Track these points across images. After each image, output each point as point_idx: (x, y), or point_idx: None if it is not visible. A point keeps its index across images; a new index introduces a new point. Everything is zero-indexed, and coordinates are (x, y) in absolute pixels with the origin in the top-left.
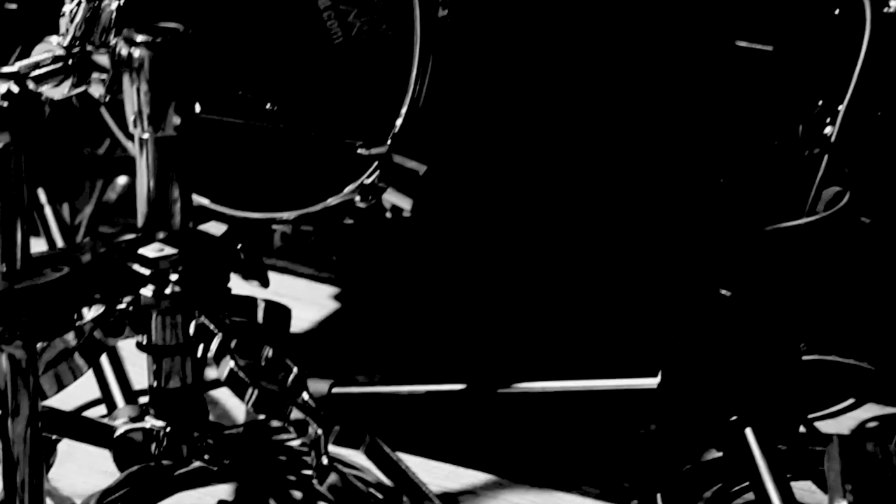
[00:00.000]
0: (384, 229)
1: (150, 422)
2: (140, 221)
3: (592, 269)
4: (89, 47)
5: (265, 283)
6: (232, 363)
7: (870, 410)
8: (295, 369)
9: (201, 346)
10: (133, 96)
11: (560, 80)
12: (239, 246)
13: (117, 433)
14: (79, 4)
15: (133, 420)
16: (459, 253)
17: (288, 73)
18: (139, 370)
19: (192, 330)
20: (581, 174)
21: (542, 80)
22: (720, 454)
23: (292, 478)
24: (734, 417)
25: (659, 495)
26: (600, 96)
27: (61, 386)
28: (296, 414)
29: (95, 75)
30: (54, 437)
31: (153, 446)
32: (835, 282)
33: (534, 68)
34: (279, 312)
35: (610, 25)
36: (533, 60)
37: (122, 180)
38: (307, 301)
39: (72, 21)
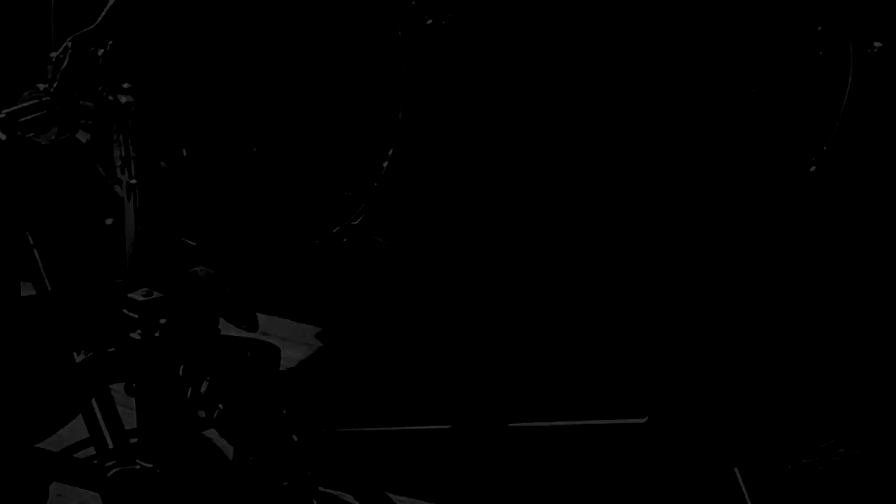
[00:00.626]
0: (370, 269)
1: (140, 463)
2: (128, 266)
3: (581, 309)
4: (76, 94)
5: (253, 328)
6: (221, 405)
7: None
8: (283, 409)
9: (190, 389)
10: (119, 142)
11: (543, 122)
12: (227, 290)
13: (108, 475)
14: (65, 51)
15: (123, 462)
16: (446, 288)
17: (273, 116)
18: (129, 411)
19: (181, 372)
20: (568, 209)
21: (523, 130)
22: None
23: None
24: (723, 457)
25: None
26: (580, 145)
27: None
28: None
29: (82, 121)
30: (45, 478)
31: (143, 488)
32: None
33: (518, 115)
34: (267, 353)
35: (598, 68)
36: (519, 106)
37: (108, 223)
38: (295, 340)
39: (59, 68)
